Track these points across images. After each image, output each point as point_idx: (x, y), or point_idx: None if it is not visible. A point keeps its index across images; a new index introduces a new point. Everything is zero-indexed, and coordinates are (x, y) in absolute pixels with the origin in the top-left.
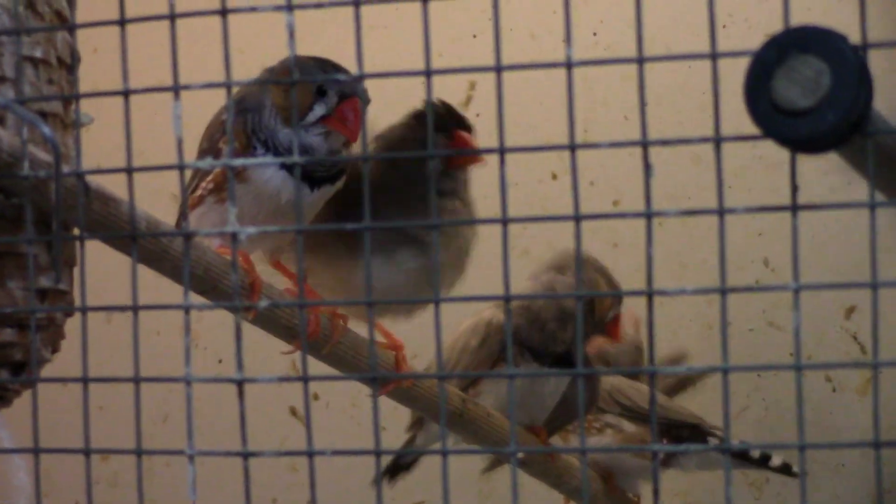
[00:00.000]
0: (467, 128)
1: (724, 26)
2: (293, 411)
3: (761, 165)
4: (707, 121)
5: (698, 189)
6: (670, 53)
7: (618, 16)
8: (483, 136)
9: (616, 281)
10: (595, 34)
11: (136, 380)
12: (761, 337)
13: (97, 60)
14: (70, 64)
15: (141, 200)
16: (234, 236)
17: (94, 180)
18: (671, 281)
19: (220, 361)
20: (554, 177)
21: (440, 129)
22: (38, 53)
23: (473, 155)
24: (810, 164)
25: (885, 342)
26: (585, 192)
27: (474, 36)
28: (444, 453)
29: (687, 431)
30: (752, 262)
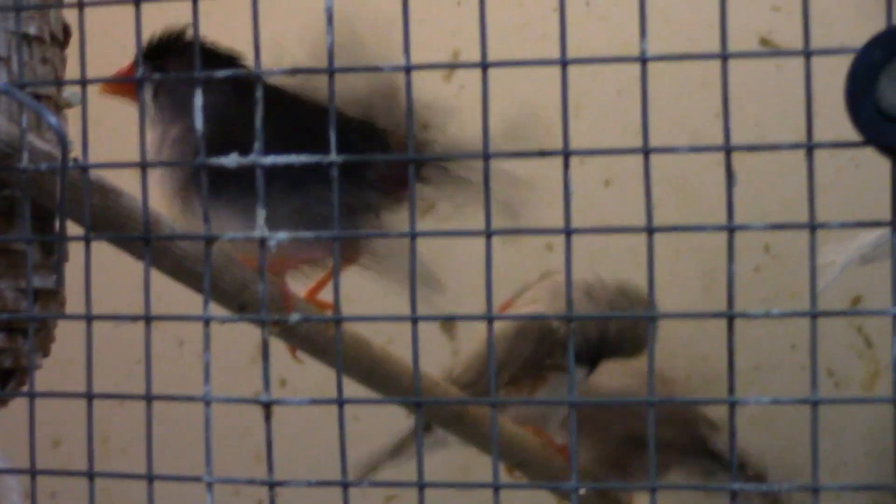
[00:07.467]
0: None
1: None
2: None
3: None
4: (702, 100)
5: (697, 173)
6: (757, 49)
7: None
8: (467, 111)
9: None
10: (587, 4)
11: (148, 398)
12: (760, 329)
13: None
14: (61, 41)
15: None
16: (261, 242)
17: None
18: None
19: (180, 343)
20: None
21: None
22: (31, 30)
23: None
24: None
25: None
26: (575, 170)
27: (458, 3)
28: (496, 487)
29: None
30: (752, 248)
